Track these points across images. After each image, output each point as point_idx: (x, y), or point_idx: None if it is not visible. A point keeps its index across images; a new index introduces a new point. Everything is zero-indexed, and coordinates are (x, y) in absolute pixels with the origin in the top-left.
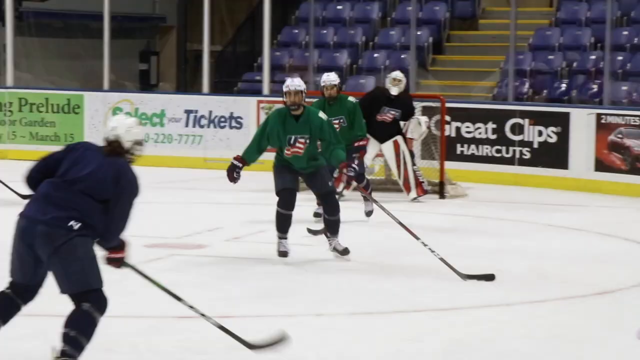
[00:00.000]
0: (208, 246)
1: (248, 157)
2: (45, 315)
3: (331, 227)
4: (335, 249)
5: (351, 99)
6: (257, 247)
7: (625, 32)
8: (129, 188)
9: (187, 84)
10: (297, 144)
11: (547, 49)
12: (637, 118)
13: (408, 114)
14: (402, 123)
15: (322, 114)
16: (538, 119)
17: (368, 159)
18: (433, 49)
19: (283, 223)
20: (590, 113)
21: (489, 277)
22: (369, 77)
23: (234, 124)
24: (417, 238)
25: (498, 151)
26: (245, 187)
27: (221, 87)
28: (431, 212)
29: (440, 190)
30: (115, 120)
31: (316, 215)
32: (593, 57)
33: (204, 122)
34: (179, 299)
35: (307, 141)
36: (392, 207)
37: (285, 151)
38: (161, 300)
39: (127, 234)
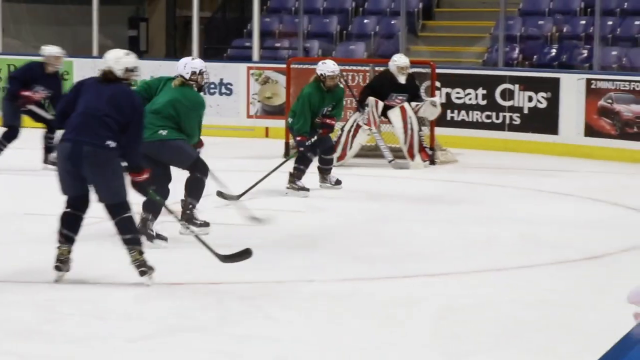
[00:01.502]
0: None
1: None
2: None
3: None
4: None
5: (341, 86)
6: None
7: None
8: (140, 109)
9: (177, 51)
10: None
11: (537, 14)
12: (627, 83)
13: (415, 95)
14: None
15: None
16: (528, 84)
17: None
18: (423, 14)
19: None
20: (580, 78)
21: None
22: (359, 43)
23: (223, 90)
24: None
25: (488, 117)
26: (237, 154)
27: (211, 53)
28: (422, 178)
29: (430, 156)
30: (108, 54)
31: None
32: (583, 22)
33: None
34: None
35: None
36: (382, 173)
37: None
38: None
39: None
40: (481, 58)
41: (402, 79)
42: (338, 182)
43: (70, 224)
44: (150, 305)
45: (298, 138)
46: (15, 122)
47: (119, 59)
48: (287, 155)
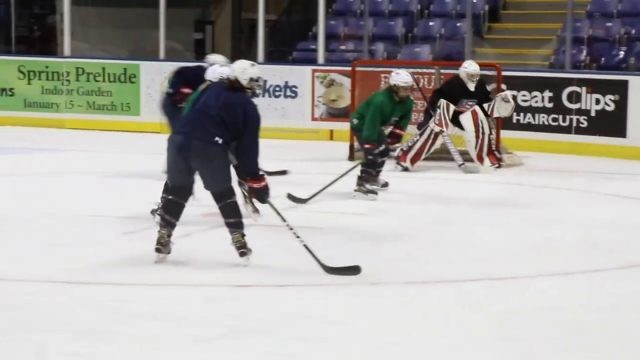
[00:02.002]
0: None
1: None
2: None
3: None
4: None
5: (411, 97)
6: (314, 217)
7: None
8: (254, 118)
9: (242, 53)
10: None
11: (605, 16)
12: None
13: (485, 101)
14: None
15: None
16: (595, 87)
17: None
18: (489, 16)
19: None
20: None
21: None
22: (424, 45)
23: (288, 93)
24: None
25: (555, 120)
26: (302, 157)
27: (276, 56)
28: (487, 181)
29: (499, 159)
30: (235, 64)
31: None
32: None
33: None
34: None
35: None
36: (448, 176)
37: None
38: (215, 270)
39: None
40: (548, 60)
41: (471, 86)
42: (385, 185)
43: (172, 210)
44: (213, 306)
45: (367, 145)
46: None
47: (244, 70)
48: (352, 158)
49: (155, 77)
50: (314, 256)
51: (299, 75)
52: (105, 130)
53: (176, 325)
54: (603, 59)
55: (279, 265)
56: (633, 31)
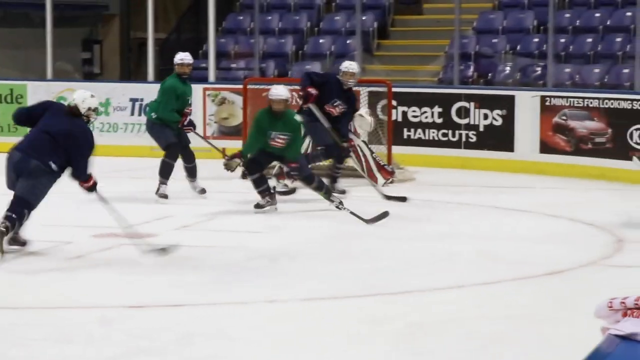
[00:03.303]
0: (158, 235)
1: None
2: None
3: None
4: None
5: (297, 117)
6: (208, 235)
7: (568, 15)
8: (84, 138)
9: (131, 73)
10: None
11: (491, 33)
12: (581, 100)
13: (354, 110)
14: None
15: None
16: (483, 102)
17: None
18: (378, 33)
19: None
20: (534, 95)
21: (385, 214)
22: (315, 62)
23: None
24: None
25: (444, 135)
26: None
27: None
28: (376, 196)
29: (392, 172)
30: (76, 93)
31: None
32: (536, 39)
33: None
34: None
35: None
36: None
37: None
38: (111, 290)
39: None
40: (437, 76)
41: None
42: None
43: None
44: (113, 328)
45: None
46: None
47: (84, 99)
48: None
49: (42, 97)
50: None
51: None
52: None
53: (78, 347)
54: (490, 74)
55: (173, 283)
56: (518, 47)
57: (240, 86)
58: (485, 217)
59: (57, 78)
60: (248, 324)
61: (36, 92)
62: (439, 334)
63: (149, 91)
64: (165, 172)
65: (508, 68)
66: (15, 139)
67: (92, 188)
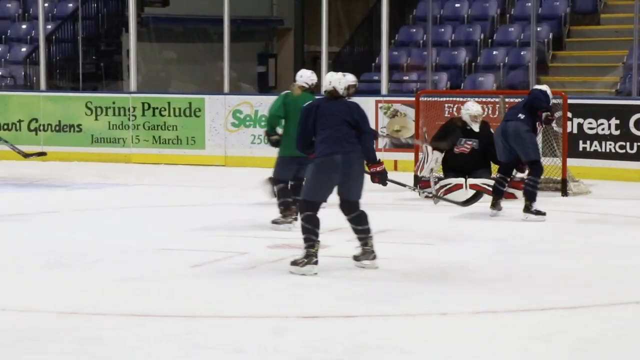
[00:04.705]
0: (329, 246)
1: None
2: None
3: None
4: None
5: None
6: (379, 248)
7: None
8: (364, 115)
9: None
10: None
11: None
12: None
13: (488, 142)
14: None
15: None
16: None
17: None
18: (553, 45)
19: None
20: None
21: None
22: (488, 74)
23: None
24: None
25: (622, 147)
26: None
27: None
28: (554, 210)
29: (562, 187)
30: (329, 77)
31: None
32: None
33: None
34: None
35: None
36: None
37: None
38: (285, 301)
39: None
40: (614, 87)
41: (475, 127)
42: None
43: (316, 225)
44: (285, 338)
45: None
46: None
47: (340, 80)
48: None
49: (219, 110)
50: (451, 201)
51: (362, 106)
52: (171, 164)
53: (250, 357)
54: None
55: (342, 296)
56: None
57: (413, 98)
58: None
59: (233, 92)
60: (419, 336)
61: (213, 106)
62: (613, 350)
63: None
64: None
65: None
66: (196, 152)
67: (382, 174)
